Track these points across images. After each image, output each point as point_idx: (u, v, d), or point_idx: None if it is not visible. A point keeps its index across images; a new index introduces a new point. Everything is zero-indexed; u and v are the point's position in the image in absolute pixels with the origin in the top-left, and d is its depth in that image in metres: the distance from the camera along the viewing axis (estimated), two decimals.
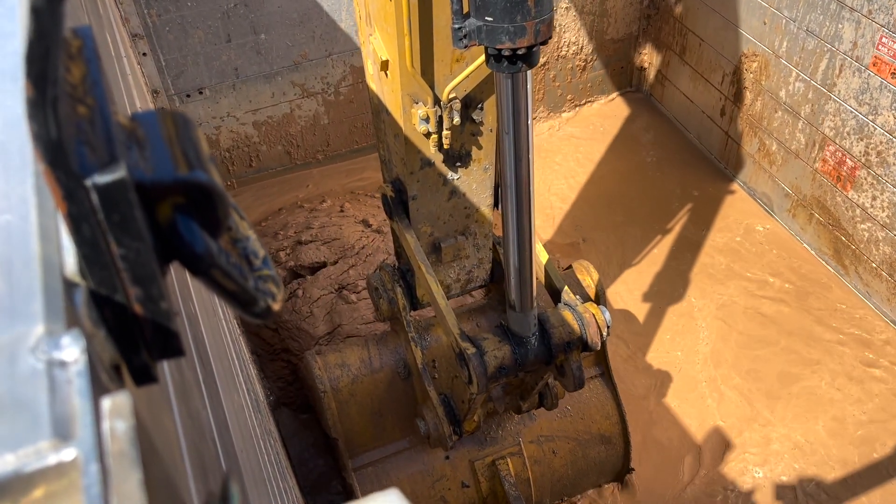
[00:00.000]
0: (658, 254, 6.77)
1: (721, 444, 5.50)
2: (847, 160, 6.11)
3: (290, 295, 5.99)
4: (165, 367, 0.94)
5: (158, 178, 0.60)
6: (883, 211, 5.92)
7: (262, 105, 6.88)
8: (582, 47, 7.91)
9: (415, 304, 4.32)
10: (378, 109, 3.70)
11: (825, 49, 6.02)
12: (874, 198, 5.97)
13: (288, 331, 5.81)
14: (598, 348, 3.69)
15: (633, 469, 5.06)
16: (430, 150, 3.52)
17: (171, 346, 0.62)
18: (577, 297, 3.78)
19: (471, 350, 3.49)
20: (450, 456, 4.57)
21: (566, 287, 3.84)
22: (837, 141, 6.15)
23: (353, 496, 4.36)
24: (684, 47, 7.74)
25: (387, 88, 3.43)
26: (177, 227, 0.62)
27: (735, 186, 7.41)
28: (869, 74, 5.69)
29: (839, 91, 6.01)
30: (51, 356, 0.50)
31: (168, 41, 6.19)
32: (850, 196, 6.19)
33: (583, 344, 3.63)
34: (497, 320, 4.40)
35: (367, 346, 4.53)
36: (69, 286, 0.57)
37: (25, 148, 0.62)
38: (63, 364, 0.50)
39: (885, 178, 5.80)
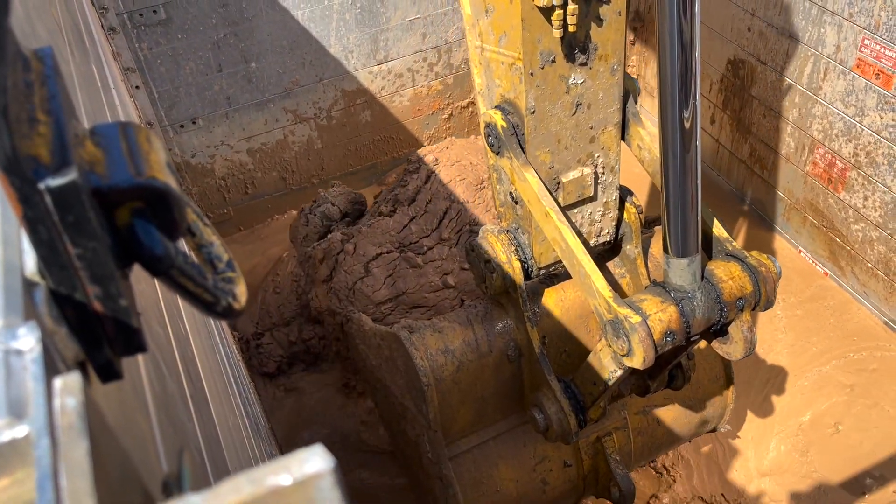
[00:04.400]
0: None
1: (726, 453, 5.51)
2: (837, 162, 6.15)
3: (338, 251, 5.29)
4: (143, 375, 0.98)
5: (115, 183, 0.64)
6: (875, 211, 5.96)
7: (256, 132, 6.95)
8: None
9: (528, 271, 3.65)
10: (476, 17, 3.17)
11: (809, 53, 6.08)
12: (866, 198, 6.00)
13: (336, 293, 5.15)
14: (772, 306, 3.13)
15: (728, 427, 4.86)
16: (552, 35, 2.93)
17: (132, 342, 0.66)
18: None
19: (634, 318, 2.86)
20: None
21: (726, 234, 3.20)
22: (826, 143, 6.20)
23: (450, 486, 3.95)
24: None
25: None
26: (135, 230, 0.65)
27: (727, 193, 7.45)
28: (853, 76, 5.74)
29: (825, 94, 6.06)
30: (8, 346, 0.54)
31: (160, 73, 6.27)
32: (842, 197, 6.22)
33: (756, 301, 3.06)
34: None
35: (472, 326, 3.88)
36: (29, 285, 0.60)
37: None
38: (19, 352, 0.54)
39: (875, 178, 5.84)
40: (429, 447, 4.01)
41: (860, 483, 5.24)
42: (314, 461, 0.45)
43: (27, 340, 0.55)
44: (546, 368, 3.62)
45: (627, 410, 4.28)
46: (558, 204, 3.35)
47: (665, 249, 3.02)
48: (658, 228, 4.20)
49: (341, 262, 5.18)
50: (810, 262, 6.70)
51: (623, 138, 3.49)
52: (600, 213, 3.60)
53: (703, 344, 4.26)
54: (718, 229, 3.19)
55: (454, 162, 5.57)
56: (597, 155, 3.43)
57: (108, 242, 0.62)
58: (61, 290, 0.61)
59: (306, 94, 6.93)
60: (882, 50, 5.44)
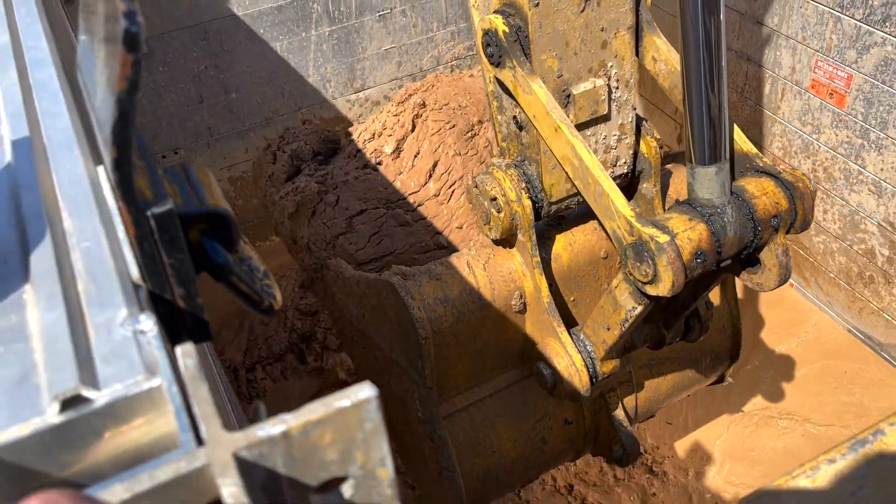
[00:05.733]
0: None
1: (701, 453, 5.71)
2: None
3: (318, 202, 4.79)
4: None
5: (188, 210, 0.84)
6: (835, 223, 6.25)
7: (237, 161, 7.13)
8: None
9: (539, 210, 3.26)
10: None
11: (767, 75, 6.40)
12: (825, 211, 6.29)
13: (309, 247, 4.67)
14: (809, 228, 2.82)
15: (731, 380, 4.60)
16: None
17: (204, 332, 0.86)
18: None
19: (661, 237, 2.53)
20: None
21: (755, 150, 2.88)
22: (787, 160, 6.50)
23: (444, 447, 3.65)
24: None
25: None
26: (203, 245, 0.85)
27: None
28: (809, 96, 6.05)
29: (783, 113, 6.37)
30: (134, 328, 0.74)
31: (142, 105, 6.44)
32: None
33: (792, 221, 2.74)
34: None
35: (473, 272, 3.49)
36: (135, 287, 0.80)
37: (89, 196, 0.86)
38: (143, 332, 0.73)
39: (833, 192, 6.14)
40: (419, 405, 3.71)
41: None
42: (365, 391, 0.64)
43: (148, 323, 0.76)
44: (556, 319, 3.33)
45: (632, 364, 3.99)
46: (572, 120, 3.03)
47: (689, 159, 2.75)
48: (672, 167, 3.98)
49: (319, 213, 4.68)
50: None
51: (637, 53, 3.18)
52: (616, 137, 3.23)
53: (713, 295, 4.02)
54: (746, 144, 2.88)
55: (442, 105, 5.05)
56: (610, 64, 3.11)
57: (188, 255, 0.82)
58: (156, 291, 0.80)
59: (285, 122, 7.13)
60: (834, 71, 5.76)
